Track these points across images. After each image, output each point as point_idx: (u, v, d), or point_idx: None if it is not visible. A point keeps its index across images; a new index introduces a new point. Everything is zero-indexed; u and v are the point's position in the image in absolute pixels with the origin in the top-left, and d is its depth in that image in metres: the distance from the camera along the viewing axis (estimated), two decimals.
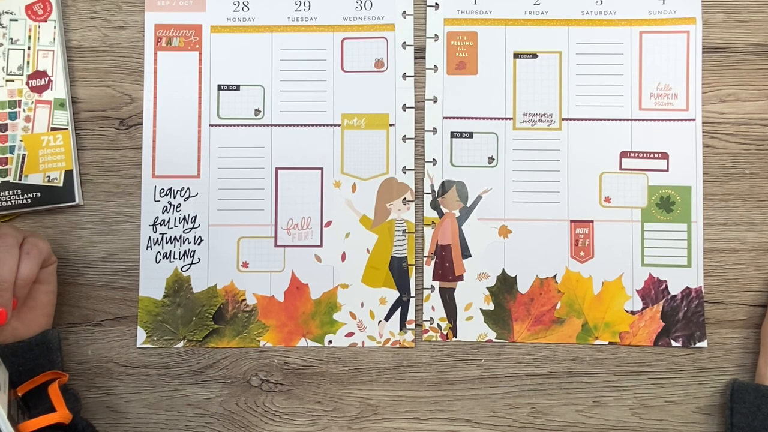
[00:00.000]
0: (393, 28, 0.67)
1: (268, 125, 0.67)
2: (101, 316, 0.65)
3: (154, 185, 0.66)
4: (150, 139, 0.66)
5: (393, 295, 0.65)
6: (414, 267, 0.66)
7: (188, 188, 0.66)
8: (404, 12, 0.67)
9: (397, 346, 0.65)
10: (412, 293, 0.65)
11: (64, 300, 0.65)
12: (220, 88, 0.67)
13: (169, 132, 0.67)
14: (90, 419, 0.64)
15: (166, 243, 0.65)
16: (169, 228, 0.66)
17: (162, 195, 0.66)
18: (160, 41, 0.67)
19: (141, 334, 0.65)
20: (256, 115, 0.67)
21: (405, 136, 0.66)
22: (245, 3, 0.67)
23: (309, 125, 0.66)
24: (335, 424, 0.64)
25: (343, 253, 0.66)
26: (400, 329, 0.65)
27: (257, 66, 0.67)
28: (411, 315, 0.65)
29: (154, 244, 0.66)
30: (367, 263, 0.65)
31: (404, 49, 0.67)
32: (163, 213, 0.66)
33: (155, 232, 0.66)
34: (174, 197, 0.66)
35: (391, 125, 0.66)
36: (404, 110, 0.66)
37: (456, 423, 0.65)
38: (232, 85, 0.67)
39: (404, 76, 0.67)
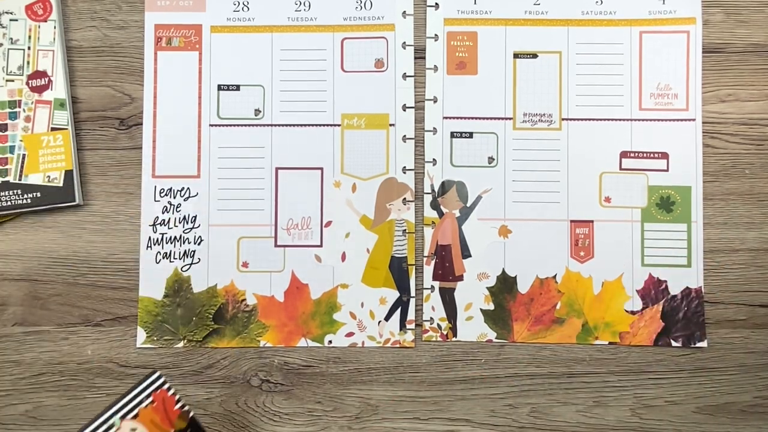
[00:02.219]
0: (393, 28, 0.67)
1: (268, 125, 0.67)
2: (101, 316, 0.65)
3: (154, 185, 0.66)
4: (150, 139, 0.66)
5: (393, 295, 0.65)
6: (414, 267, 0.66)
7: (188, 188, 0.66)
8: (404, 12, 0.67)
9: (397, 346, 0.65)
10: (412, 293, 0.65)
11: (64, 300, 0.65)
12: (220, 88, 0.67)
13: (169, 132, 0.67)
14: (90, 419, 0.64)
15: (166, 243, 0.65)
16: (169, 228, 0.66)
17: (162, 195, 0.66)
18: (160, 41, 0.67)
19: (141, 334, 0.65)
20: (256, 115, 0.67)
21: (405, 136, 0.66)
22: (245, 3, 0.67)
23: (309, 125, 0.66)
24: (335, 424, 0.64)
25: (343, 253, 0.66)
26: (400, 329, 0.65)
27: (257, 66, 0.67)
28: (411, 315, 0.65)
29: (154, 244, 0.66)
30: (367, 263, 0.65)
31: (404, 49, 0.67)
32: (163, 213, 0.66)
33: (155, 232, 0.66)
34: (174, 197, 0.66)
35: (391, 125, 0.66)
36: (404, 110, 0.66)
37: (456, 423, 0.65)
38: (232, 85, 0.67)
39: (404, 76, 0.67)
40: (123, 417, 0.48)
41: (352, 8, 0.67)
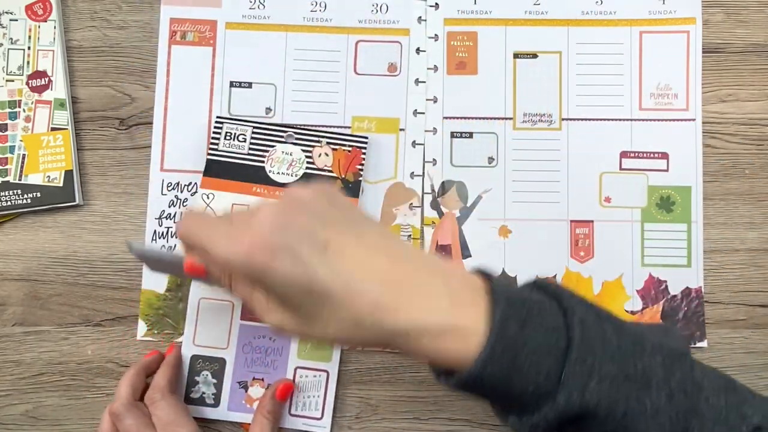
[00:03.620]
0: (407, 33, 0.67)
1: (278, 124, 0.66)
2: (101, 316, 0.65)
3: (162, 179, 0.66)
4: (160, 132, 0.66)
5: None
6: None
7: (195, 183, 0.66)
8: (419, 17, 0.67)
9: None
10: None
11: (64, 300, 0.65)
12: (232, 84, 0.67)
13: (179, 126, 0.66)
14: (89, 419, 0.64)
15: (171, 237, 0.65)
16: (174, 222, 0.66)
17: (169, 189, 0.66)
18: (175, 35, 0.67)
19: (141, 327, 0.65)
20: (266, 114, 0.67)
21: (414, 141, 0.66)
22: (261, 1, 0.67)
23: (319, 126, 0.66)
24: (335, 424, 0.64)
25: None
26: None
27: (270, 64, 0.67)
28: None
29: (159, 238, 0.65)
30: None
31: (418, 54, 0.67)
32: (169, 207, 0.66)
33: (161, 226, 0.66)
34: (181, 191, 0.66)
35: (401, 130, 0.66)
36: (415, 115, 0.66)
37: (456, 423, 0.65)
38: (245, 83, 0.67)
39: (416, 81, 0.67)
40: (328, 143, 0.63)
41: (367, 11, 0.67)
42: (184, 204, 0.66)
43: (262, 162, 0.64)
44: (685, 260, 0.65)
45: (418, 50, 0.67)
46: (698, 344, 0.65)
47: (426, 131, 0.66)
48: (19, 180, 0.65)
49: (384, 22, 0.67)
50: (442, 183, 0.66)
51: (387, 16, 0.67)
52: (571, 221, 0.66)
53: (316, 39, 0.67)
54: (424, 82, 0.67)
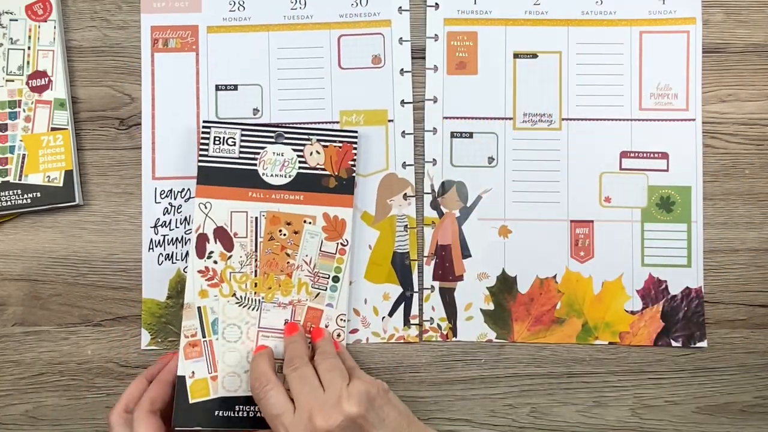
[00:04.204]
0: (389, 24, 0.67)
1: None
2: (101, 316, 0.65)
3: (155, 187, 0.66)
4: (149, 141, 0.66)
5: (396, 290, 0.65)
6: (416, 263, 0.66)
7: (188, 189, 0.66)
8: (400, 8, 0.67)
9: (402, 341, 0.65)
10: (415, 288, 0.65)
11: (64, 300, 0.65)
12: (217, 88, 0.67)
13: (168, 133, 0.66)
14: (89, 419, 0.64)
15: (168, 244, 0.65)
16: (170, 229, 0.66)
17: (162, 196, 0.66)
18: (157, 43, 0.67)
19: (145, 336, 0.65)
20: (254, 115, 0.67)
21: (404, 131, 0.66)
22: (241, 2, 0.67)
23: (308, 123, 0.66)
24: None
25: None
26: (404, 325, 0.65)
27: (254, 65, 0.67)
28: (414, 310, 0.65)
29: (156, 246, 0.65)
30: (370, 259, 0.65)
31: (401, 44, 0.67)
32: (164, 214, 0.66)
33: (156, 234, 0.65)
34: (174, 198, 0.66)
35: (389, 121, 0.66)
36: (402, 106, 0.66)
37: (456, 423, 0.65)
38: (230, 85, 0.67)
39: (402, 71, 0.67)
40: (318, 141, 0.63)
41: (347, 5, 0.67)
42: (179, 211, 0.66)
43: (254, 165, 0.63)
44: (685, 260, 0.65)
45: (400, 40, 0.67)
46: (698, 344, 0.65)
47: (426, 131, 0.66)
48: (19, 180, 0.65)
49: (365, 14, 0.67)
50: (442, 183, 0.66)
51: (367, 8, 0.67)
52: (571, 221, 0.66)
53: (298, 36, 0.67)
54: (410, 72, 0.67)
